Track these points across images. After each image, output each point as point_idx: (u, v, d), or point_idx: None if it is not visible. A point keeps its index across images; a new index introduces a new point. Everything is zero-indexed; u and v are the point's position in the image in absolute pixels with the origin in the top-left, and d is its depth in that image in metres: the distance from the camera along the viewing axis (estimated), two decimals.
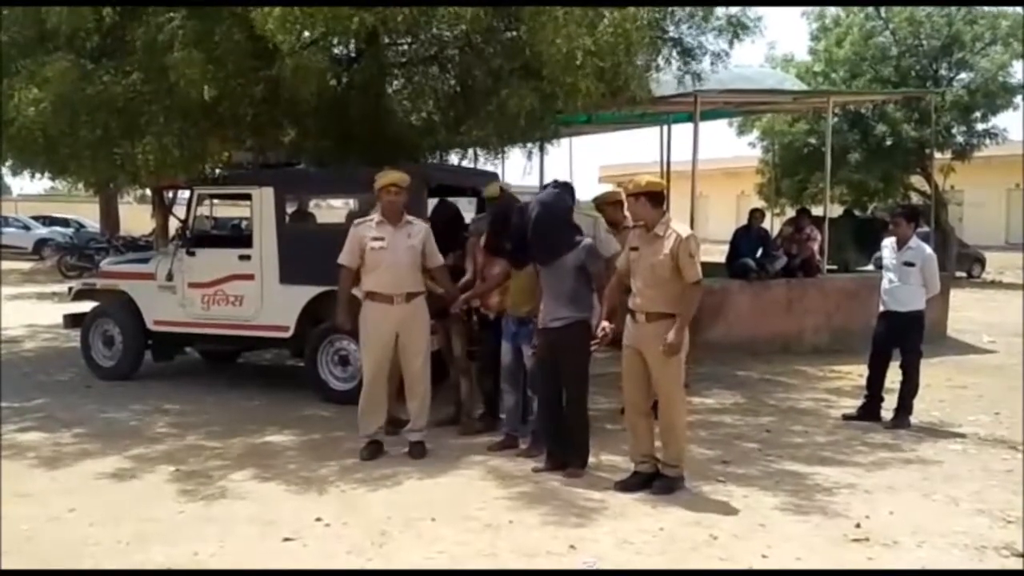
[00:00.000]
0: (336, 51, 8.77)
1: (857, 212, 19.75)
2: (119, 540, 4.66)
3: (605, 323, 5.51)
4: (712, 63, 9.86)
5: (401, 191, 6.17)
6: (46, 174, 12.78)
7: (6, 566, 4.33)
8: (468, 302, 6.61)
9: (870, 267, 13.26)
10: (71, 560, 4.43)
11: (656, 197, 5.41)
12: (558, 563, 4.40)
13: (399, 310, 6.13)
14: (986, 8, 21.52)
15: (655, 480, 5.50)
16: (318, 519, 4.95)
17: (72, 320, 9.44)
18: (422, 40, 9.01)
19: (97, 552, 4.52)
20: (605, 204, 7.41)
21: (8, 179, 46.04)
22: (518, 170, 56.47)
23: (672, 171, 14.36)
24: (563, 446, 5.84)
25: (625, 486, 5.49)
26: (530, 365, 6.18)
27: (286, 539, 4.67)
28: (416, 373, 6.26)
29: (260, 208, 8.13)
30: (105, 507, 5.19)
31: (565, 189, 6.15)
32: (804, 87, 17.54)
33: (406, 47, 9.48)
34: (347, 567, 4.35)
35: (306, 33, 7.22)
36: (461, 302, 6.53)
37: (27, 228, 30.71)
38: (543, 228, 5.78)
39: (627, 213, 6.11)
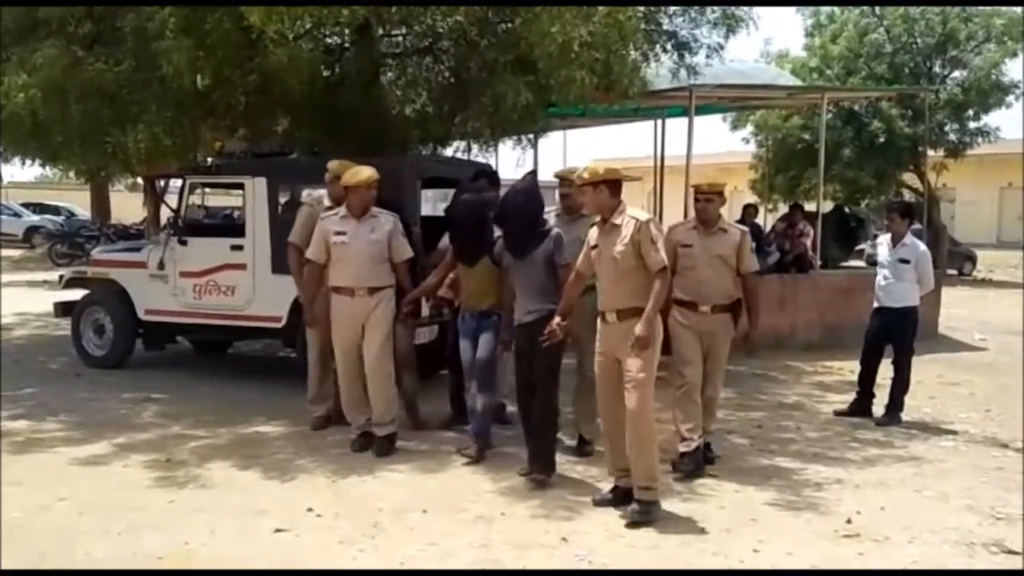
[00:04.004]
0: (329, 41, 8.73)
1: (847, 209, 19.74)
2: (109, 529, 4.64)
3: (558, 318, 5.18)
4: (707, 56, 9.85)
5: (372, 187, 6.10)
6: (37, 161, 12.75)
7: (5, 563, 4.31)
8: (418, 299, 6.43)
9: (857, 263, 13.35)
10: (62, 549, 4.40)
11: (616, 185, 5.02)
12: (550, 556, 4.40)
13: (361, 304, 6.07)
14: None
15: (629, 503, 4.99)
16: (309, 510, 4.94)
17: (63, 308, 9.37)
18: (416, 31, 8.97)
19: (88, 541, 4.49)
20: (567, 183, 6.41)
21: None
22: (511, 162, 56.43)
23: (666, 165, 14.36)
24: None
25: (603, 502, 5.12)
26: (484, 358, 5.98)
27: (277, 530, 4.65)
28: (371, 365, 6.12)
29: (253, 198, 8.09)
30: (95, 496, 5.16)
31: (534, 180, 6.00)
32: (799, 83, 17.55)
33: (400, 38, 9.44)
34: (339, 558, 4.34)
35: (297, 23, 7.18)
36: (406, 301, 6.26)
37: (17, 215, 30.53)
38: (521, 221, 5.57)
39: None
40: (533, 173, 5.97)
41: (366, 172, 6.11)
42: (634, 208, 5.03)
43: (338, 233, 6.08)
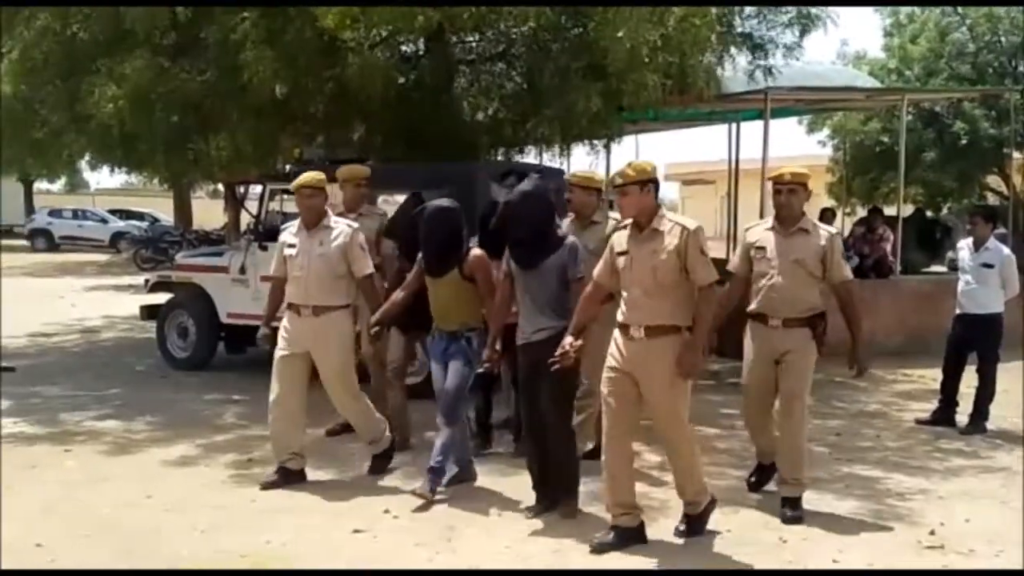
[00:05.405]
0: (404, 49, 8.87)
1: (929, 213, 19.24)
2: (194, 527, 4.78)
3: (570, 338, 4.56)
4: (784, 56, 9.73)
5: (316, 193, 5.54)
6: (123, 169, 13.22)
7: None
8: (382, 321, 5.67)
9: (938, 268, 12.97)
10: (149, 546, 4.54)
11: (657, 185, 4.53)
12: (622, 560, 4.39)
13: (306, 324, 5.51)
14: None
15: (683, 527, 4.72)
16: (386, 511, 5.01)
17: (148, 311, 9.66)
18: (489, 37, 9.05)
19: (173, 538, 4.63)
20: (577, 188, 5.77)
21: (86, 173, 47.76)
22: (582, 167, 56.11)
23: (740, 169, 14.20)
24: (548, 481, 5.08)
25: (602, 548, 4.49)
26: (456, 383, 5.31)
27: (356, 531, 4.73)
28: (335, 393, 5.69)
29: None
30: (179, 494, 5.32)
31: (552, 178, 5.31)
32: (877, 84, 17.17)
33: (473, 44, 9.53)
34: (417, 560, 4.39)
35: (372, 31, 7.31)
36: (372, 323, 5.59)
37: (104, 221, 31.69)
38: (527, 228, 4.96)
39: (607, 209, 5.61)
40: (540, 172, 5.40)
41: (308, 176, 5.60)
42: (675, 213, 4.64)
43: (290, 245, 5.59)
